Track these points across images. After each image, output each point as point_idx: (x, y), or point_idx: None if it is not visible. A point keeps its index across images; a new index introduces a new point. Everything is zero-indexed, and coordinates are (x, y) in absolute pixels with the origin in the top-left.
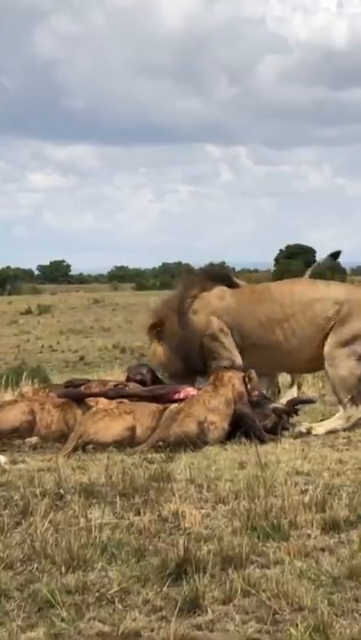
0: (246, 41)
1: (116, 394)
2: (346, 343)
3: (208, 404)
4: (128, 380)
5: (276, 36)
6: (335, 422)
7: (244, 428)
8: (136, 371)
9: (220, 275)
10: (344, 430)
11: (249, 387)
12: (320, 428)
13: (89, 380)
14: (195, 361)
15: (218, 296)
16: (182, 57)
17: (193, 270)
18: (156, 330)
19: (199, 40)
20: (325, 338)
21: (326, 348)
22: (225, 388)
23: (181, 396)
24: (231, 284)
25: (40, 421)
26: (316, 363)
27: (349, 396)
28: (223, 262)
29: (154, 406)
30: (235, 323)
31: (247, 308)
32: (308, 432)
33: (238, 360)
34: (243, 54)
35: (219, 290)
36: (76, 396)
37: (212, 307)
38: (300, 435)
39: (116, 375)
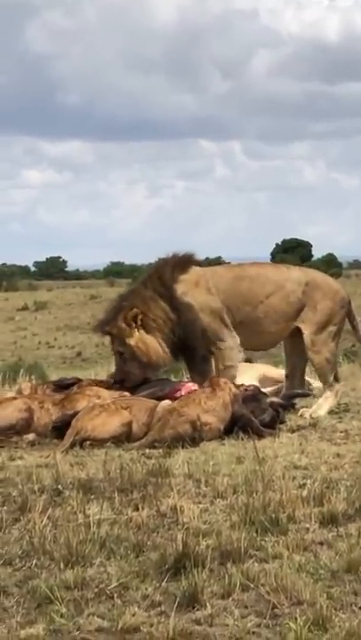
0: (240, 35)
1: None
2: (322, 327)
3: (204, 405)
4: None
5: (270, 30)
6: (330, 400)
7: (242, 424)
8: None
9: (187, 257)
10: (340, 424)
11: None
12: (320, 410)
13: (79, 380)
14: (194, 348)
15: (201, 274)
16: (176, 51)
17: (151, 264)
18: (138, 320)
19: (192, 34)
20: (296, 315)
21: (306, 337)
22: (223, 391)
23: (183, 393)
24: (201, 265)
25: (38, 420)
26: (279, 338)
27: (332, 374)
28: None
29: (151, 402)
30: (223, 300)
31: (231, 286)
32: (312, 418)
33: (238, 340)
34: (236, 48)
35: (198, 269)
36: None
37: (202, 283)
38: (305, 425)
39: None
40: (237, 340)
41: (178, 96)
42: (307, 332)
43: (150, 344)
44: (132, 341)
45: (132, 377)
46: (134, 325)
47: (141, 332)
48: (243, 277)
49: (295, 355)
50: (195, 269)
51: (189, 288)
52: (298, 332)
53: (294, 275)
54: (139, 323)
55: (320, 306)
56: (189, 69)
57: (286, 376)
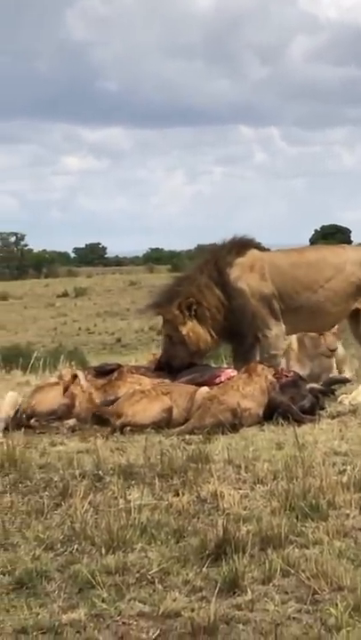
0: (278, 20)
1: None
2: None
3: (242, 390)
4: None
5: (308, 15)
6: None
7: (282, 411)
8: None
9: (247, 240)
10: None
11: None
12: (359, 397)
13: (120, 365)
14: (244, 335)
15: (258, 258)
16: (214, 37)
17: (208, 247)
18: (191, 310)
19: (231, 20)
20: (357, 295)
21: None
22: (259, 377)
23: (222, 379)
24: (261, 249)
25: (80, 404)
26: (338, 320)
27: None
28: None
29: (190, 387)
30: (278, 285)
31: (289, 272)
32: (351, 404)
33: (283, 328)
34: (274, 34)
35: (256, 252)
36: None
37: (257, 268)
38: (345, 412)
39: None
40: (283, 328)
41: (216, 82)
42: None
43: (201, 334)
44: (183, 330)
45: (177, 361)
46: (188, 314)
47: (194, 321)
48: (300, 264)
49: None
50: (252, 253)
51: (243, 272)
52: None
53: (352, 255)
54: (192, 312)
55: None
56: (227, 55)
57: None
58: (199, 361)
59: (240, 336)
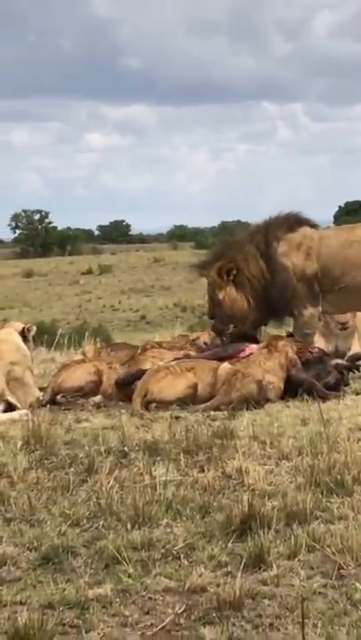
0: None
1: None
2: None
3: (264, 365)
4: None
5: None
6: None
7: (306, 388)
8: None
9: (301, 217)
10: None
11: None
12: None
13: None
14: (280, 309)
15: (308, 237)
16: (237, 13)
17: (265, 218)
18: (231, 275)
19: None
20: None
21: None
22: (279, 352)
23: (247, 353)
24: (314, 226)
25: (108, 381)
26: None
27: None
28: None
29: (214, 363)
30: (326, 264)
31: (338, 251)
32: None
33: (320, 310)
34: (298, 9)
35: (307, 230)
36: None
37: (304, 247)
38: None
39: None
40: (319, 310)
41: (240, 58)
42: None
43: (236, 301)
44: (220, 294)
45: (217, 322)
46: (226, 279)
47: (231, 287)
48: (352, 242)
49: None
50: (303, 230)
51: (291, 249)
52: None
53: None
54: (231, 277)
55: None
56: (251, 31)
57: None
58: (243, 327)
59: (279, 312)
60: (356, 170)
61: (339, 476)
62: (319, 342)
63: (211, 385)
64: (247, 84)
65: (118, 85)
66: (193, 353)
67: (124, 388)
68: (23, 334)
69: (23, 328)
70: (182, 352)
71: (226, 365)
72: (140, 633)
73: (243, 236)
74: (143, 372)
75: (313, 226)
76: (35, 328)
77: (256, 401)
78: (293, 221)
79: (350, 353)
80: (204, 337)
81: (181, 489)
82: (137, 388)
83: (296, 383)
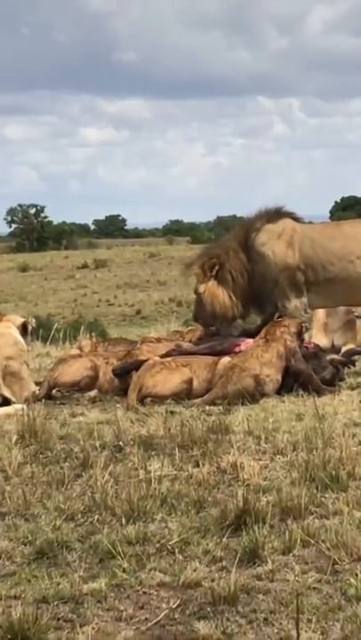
0: None
1: (178, 354)
2: None
3: (261, 358)
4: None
5: None
6: None
7: (302, 380)
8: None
9: (282, 210)
10: None
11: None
12: None
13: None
14: (263, 302)
15: (289, 227)
16: (233, 8)
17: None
18: (213, 270)
19: None
20: None
21: None
22: (276, 342)
23: (242, 348)
24: (297, 219)
25: (104, 376)
26: None
27: None
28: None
29: (209, 358)
30: (310, 255)
31: (322, 244)
32: None
33: (305, 301)
34: (293, 4)
35: (288, 222)
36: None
37: (285, 237)
38: None
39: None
40: (304, 301)
41: (235, 53)
42: None
43: (217, 296)
44: (200, 288)
45: (201, 320)
46: (208, 274)
47: (212, 282)
48: (336, 236)
49: None
50: (284, 221)
51: (270, 239)
52: None
53: None
54: (213, 272)
55: None
56: (247, 26)
57: None
58: (224, 327)
59: (261, 304)
60: (352, 165)
61: (334, 472)
62: (317, 336)
63: (207, 380)
64: (243, 78)
65: (113, 79)
66: (185, 344)
67: (122, 379)
68: (24, 328)
69: (24, 322)
70: (174, 343)
71: (225, 359)
72: (134, 627)
73: (229, 234)
74: (141, 362)
75: (296, 219)
76: (34, 322)
77: (252, 395)
78: (274, 213)
79: (345, 348)
80: (198, 332)
81: (176, 484)
82: (132, 382)
83: (294, 373)
